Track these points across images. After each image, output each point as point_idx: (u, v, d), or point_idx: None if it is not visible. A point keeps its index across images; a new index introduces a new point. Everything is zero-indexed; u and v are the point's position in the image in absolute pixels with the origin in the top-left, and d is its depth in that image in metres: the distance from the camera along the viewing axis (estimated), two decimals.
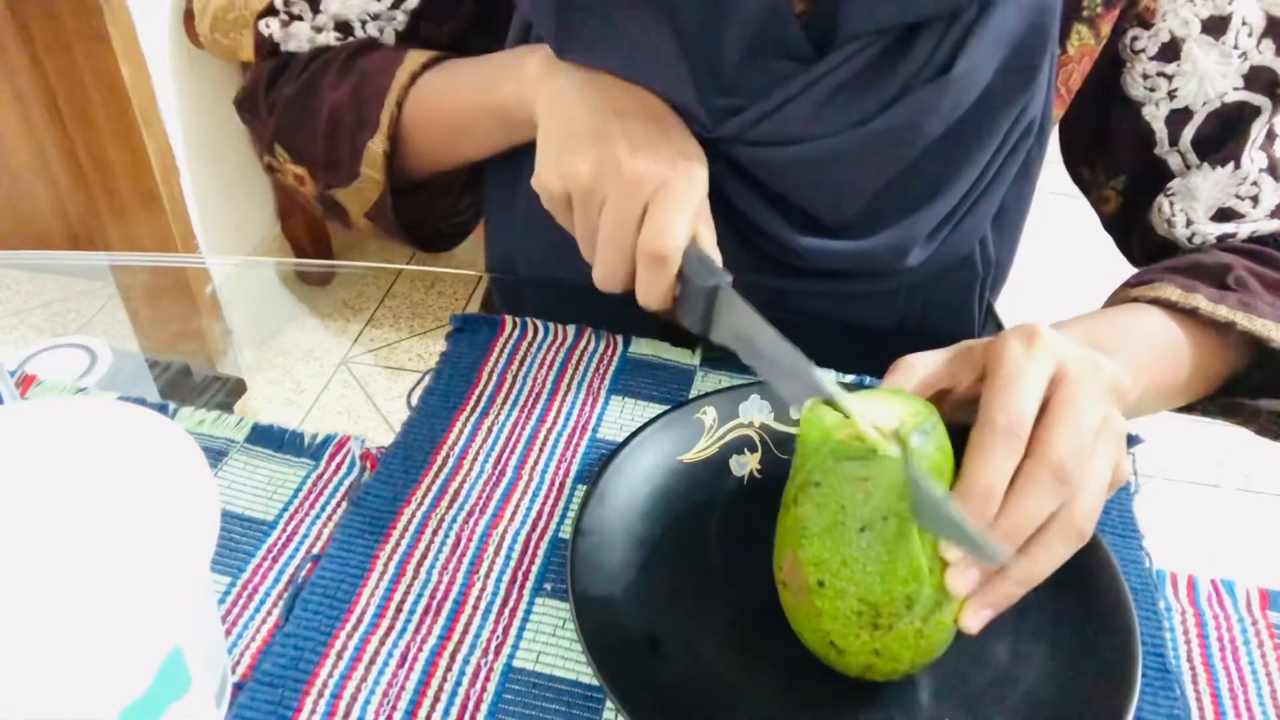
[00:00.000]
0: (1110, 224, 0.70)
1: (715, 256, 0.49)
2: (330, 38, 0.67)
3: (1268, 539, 0.55)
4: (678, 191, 0.48)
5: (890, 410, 0.41)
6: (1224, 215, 0.61)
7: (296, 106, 0.66)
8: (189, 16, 1.71)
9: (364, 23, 0.66)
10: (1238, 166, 0.60)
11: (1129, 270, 0.70)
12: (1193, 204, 0.61)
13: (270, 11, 0.68)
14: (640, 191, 0.48)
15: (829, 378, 0.43)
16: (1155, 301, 0.55)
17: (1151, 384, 0.52)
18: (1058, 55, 0.59)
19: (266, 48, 0.69)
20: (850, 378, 0.60)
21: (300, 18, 0.67)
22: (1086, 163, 0.68)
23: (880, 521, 0.39)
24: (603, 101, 0.52)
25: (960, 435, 0.42)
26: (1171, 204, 0.62)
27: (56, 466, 0.37)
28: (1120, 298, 0.58)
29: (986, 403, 0.41)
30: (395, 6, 0.65)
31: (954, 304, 0.65)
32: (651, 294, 0.49)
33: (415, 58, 0.63)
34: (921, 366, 0.45)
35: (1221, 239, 0.62)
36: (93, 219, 1.84)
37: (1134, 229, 0.67)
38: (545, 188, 0.52)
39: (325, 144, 0.65)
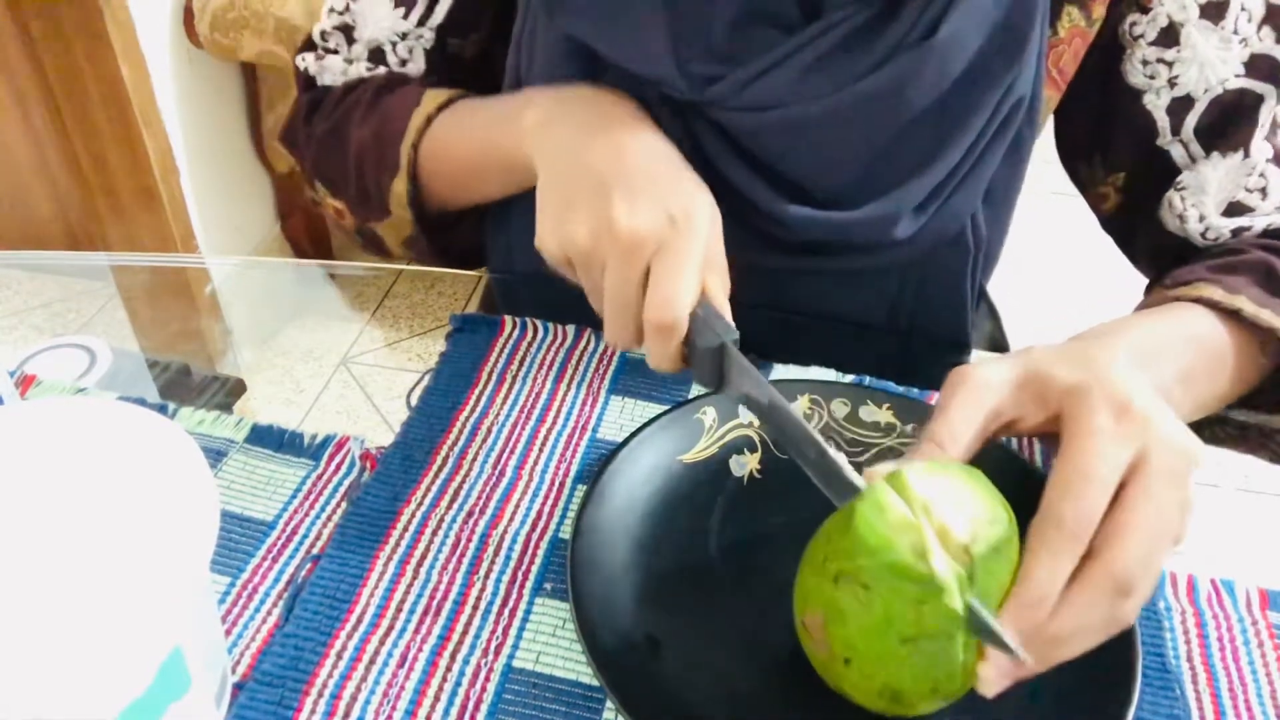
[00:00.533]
0: (1109, 222, 0.68)
1: (724, 309, 0.48)
2: (361, 68, 0.68)
3: (1268, 539, 0.55)
4: (678, 252, 0.46)
5: (960, 508, 0.37)
6: (1234, 209, 0.60)
7: (329, 144, 0.67)
8: (189, 16, 1.71)
9: (394, 44, 0.67)
10: (1247, 155, 0.59)
11: (1130, 268, 0.70)
12: (1204, 198, 0.60)
13: (309, 47, 0.70)
14: (639, 255, 0.46)
15: (842, 459, 0.42)
16: (1198, 301, 0.53)
17: (1199, 397, 0.50)
18: (1048, 36, 0.59)
19: (304, 82, 0.71)
20: (850, 378, 0.60)
21: (336, 51, 0.69)
22: (1085, 157, 0.67)
23: (926, 639, 0.37)
24: (598, 154, 0.51)
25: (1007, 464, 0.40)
26: (1183, 198, 0.61)
27: (56, 466, 0.37)
28: (1159, 298, 0.55)
29: (1057, 491, 0.38)
30: (422, 23, 0.67)
31: (947, 285, 0.65)
32: (661, 360, 0.48)
33: (431, 99, 0.63)
34: (989, 392, 0.42)
35: (1236, 233, 0.60)
36: (93, 219, 1.84)
37: (1138, 227, 0.66)
38: (546, 251, 0.51)
39: (356, 182, 0.66)
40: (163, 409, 0.57)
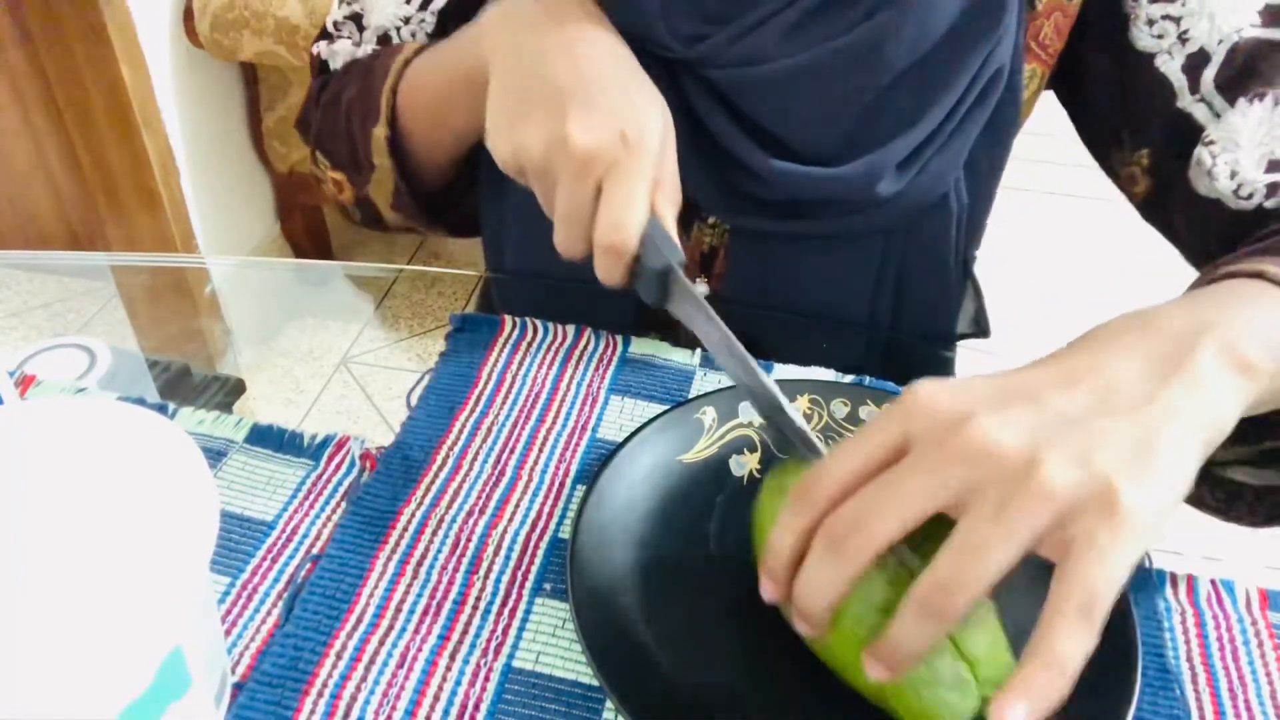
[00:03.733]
0: (1145, 207, 0.65)
1: (672, 229, 0.49)
2: (369, 50, 0.70)
3: (1268, 539, 0.55)
4: (629, 173, 0.47)
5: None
6: (1276, 166, 0.56)
7: (328, 113, 0.69)
8: (189, 16, 1.71)
9: (398, 29, 0.69)
10: (1278, 103, 0.56)
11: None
12: (1237, 153, 0.57)
13: (324, 36, 0.72)
14: (591, 172, 0.48)
15: (792, 408, 0.43)
16: (1257, 275, 0.44)
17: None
18: (1026, 10, 0.60)
19: (318, 67, 0.72)
20: (849, 378, 0.60)
21: (349, 38, 0.71)
22: (1115, 141, 0.64)
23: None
24: (552, 57, 0.51)
25: None
26: (1212, 154, 0.57)
27: (56, 466, 0.37)
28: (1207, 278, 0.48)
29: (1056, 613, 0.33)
30: (423, 8, 0.68)
31: (931, 253, 0.65)
32: (608, 276, 0.49)
33: (412, 45, 0.65)
34: None
35: (1273, 188, 0.55)
36: (93, 219, 1.84)
37: (1173, 203, 0.61)
38: (498, 155, 0.52)
39: (346, 142, 0.67)
40: (163, 409, 0.57)
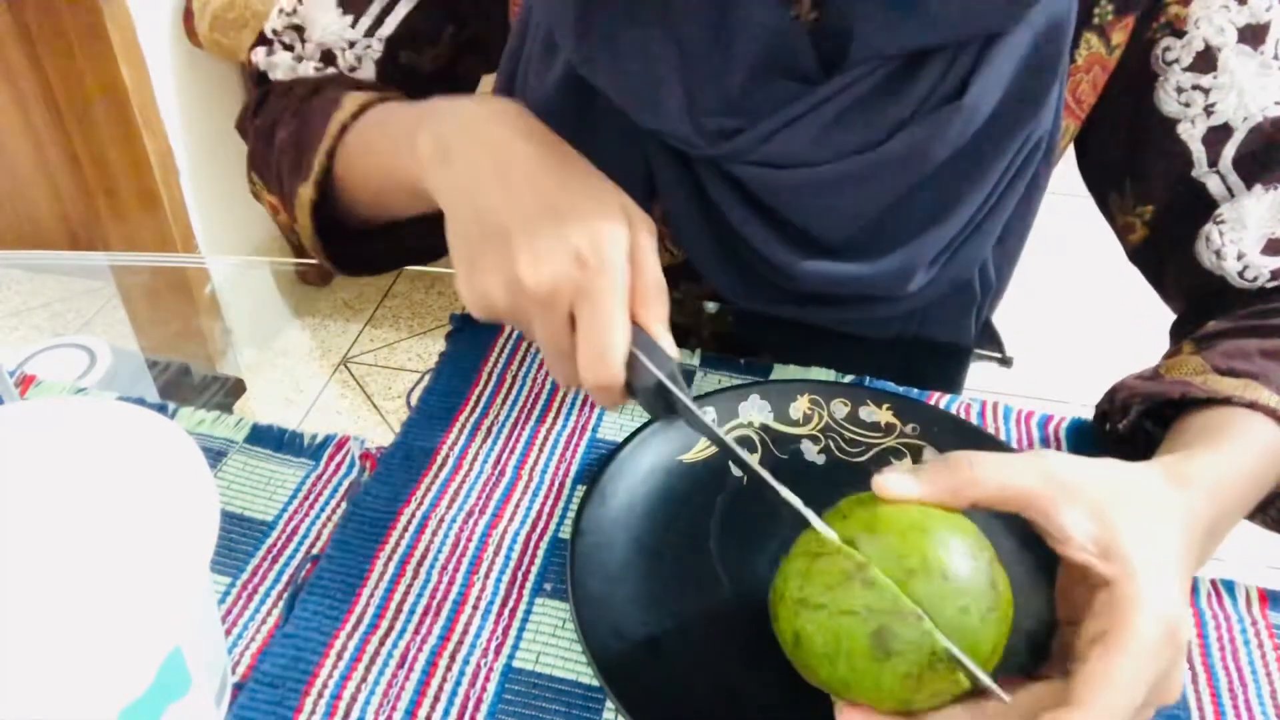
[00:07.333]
0: (1137, 255, 0.65)
1: (663, 337, 0.45)
2: (310, 68, 0.66)
3: (1268, 539, 0.55)
4: (597, 294, 0.43)
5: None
6: (1272, 247, 0.57)
7: (262, 139, 0.66)
8: (189, 16, 1.71)
9: (343, 50, 0.66)
10: None
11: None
12: (1244, 233, 0.57)
13: (263, 41, 0.68)
14: (557, 307, 0.44)
15: (795, 498, 0.41)
16: (1253, 406, 0.48)
17: (1247, 509, 0.48)
18: (1068, 68, 0.57)
19: (255, 76, 0.69)
20: (849, 378, 0.60)
21: (291, 48, 0.67)
22: (1116, 187, 0.64)
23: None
24: (493, 194, 0.47)
25: None
26: (1222, 233, 0.58)
27: (56, 466, 0.37)
28: (1203, 387, 0.50)
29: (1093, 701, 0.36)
30: (370, 34, 0.65)
31: (951, 323, 0.65)
32: (607, 404, 0.46)
33: (349, 105, 0.60)
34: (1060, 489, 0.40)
35: (1276, 274, 0.57)
36: (93, 219, 1.84)
37: (1167, 262, 0.62)
38: (470, 307, 0.48)
39: (276, 182, 0.64)
40: (163, 409, 0.57)
